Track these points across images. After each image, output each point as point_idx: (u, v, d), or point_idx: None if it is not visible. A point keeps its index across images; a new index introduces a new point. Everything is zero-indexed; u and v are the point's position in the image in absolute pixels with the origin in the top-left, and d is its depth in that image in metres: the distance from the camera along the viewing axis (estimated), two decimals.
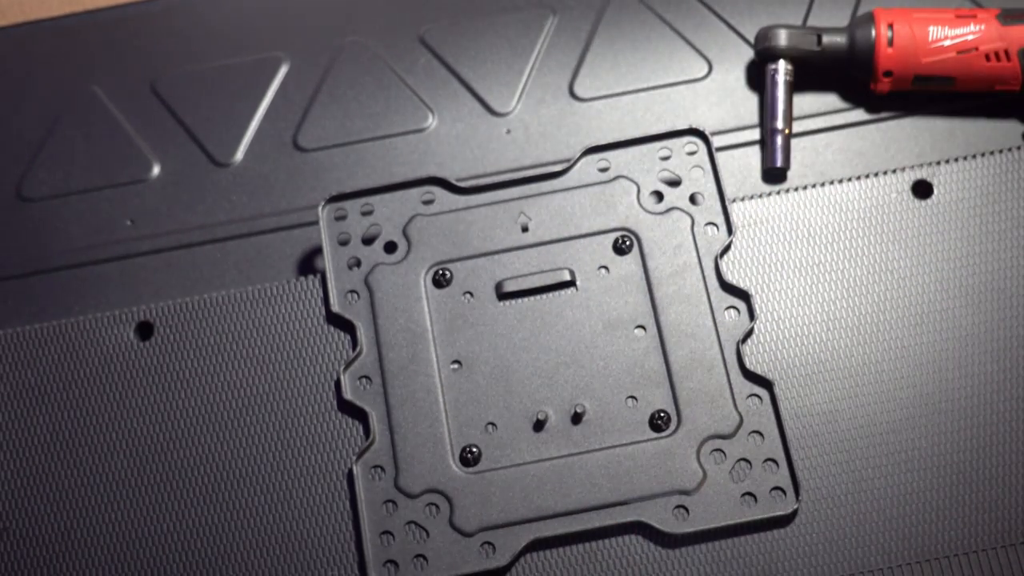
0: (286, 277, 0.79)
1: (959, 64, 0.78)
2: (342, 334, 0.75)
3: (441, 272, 0.75)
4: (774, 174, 0.80)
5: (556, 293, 0.74)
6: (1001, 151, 0.77)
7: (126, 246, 0.82)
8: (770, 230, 0.76)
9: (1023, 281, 0.74)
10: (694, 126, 0.77)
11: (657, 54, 0.85)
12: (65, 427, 0.74)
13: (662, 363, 0.72)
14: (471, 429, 0.71)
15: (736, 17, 0.86)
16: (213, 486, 0.72)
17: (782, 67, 0.80)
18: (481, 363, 0.73)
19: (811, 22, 0.85)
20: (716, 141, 0.80)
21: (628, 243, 0.75)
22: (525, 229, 0.76)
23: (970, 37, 0.78)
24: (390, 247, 0.76)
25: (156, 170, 0.84)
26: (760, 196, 0.77)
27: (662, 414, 0.71)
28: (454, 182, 0.77)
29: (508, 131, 0.84)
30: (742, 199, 0.77)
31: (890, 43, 0.78)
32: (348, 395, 0.72)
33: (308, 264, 0.80)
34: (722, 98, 0.83)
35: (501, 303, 0.74)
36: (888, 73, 0.79)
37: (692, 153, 0.77)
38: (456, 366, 0.73)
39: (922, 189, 0.76)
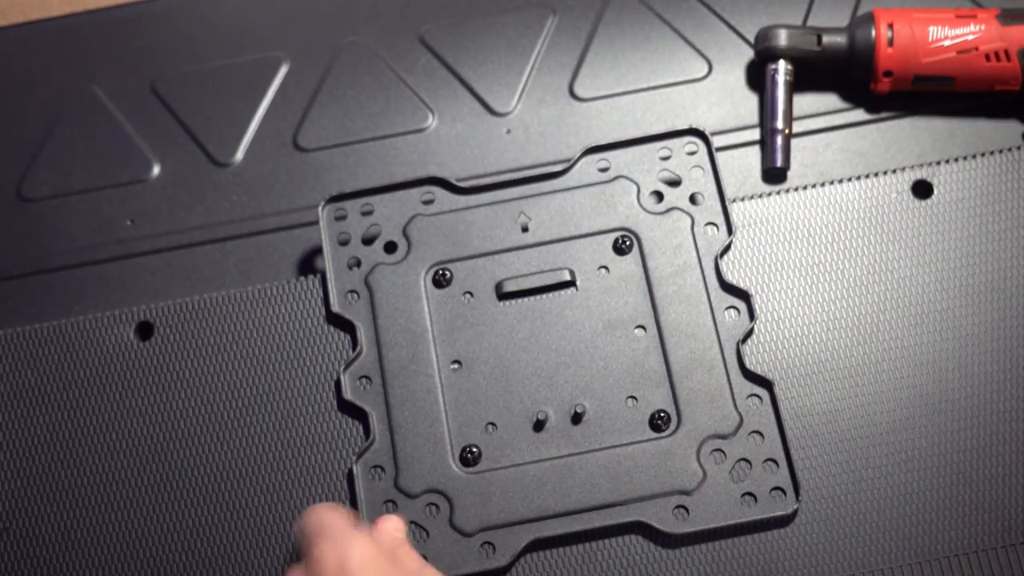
0: (286, 277, 0.79)
1: (959, 64, 0.78)
2: (342, 334, 0.75)
3: (441, 272, 0.75)
4: (774, 174, 0.80)
5: (556, 293, 0.74)
6: (1001, 151, 0.77)
7: (126, 246, 0.82)
8: (770, 230, 0.76)
9: (1023, 281, 0.74)
10: (694, 126, 0.77)
11: (657, 54, 0.85)
12: (65, 427, 0.74)
13: (662, 363, 0.72)
14: (471, 429, 0.71)
15: (736, 17, 0.86)
16: (213, 486, 0.72)
17: (782, 67, 0.80)
18: (481, 363, 0.73)
19: (811, 22, 0.85)
20: (716, 141, 0.80)
21: (628, 243, 0.75)
22: (525, 229, 0.76)
23: (970, 37, 0.78)
24: (390, 247, 0.76)
25: (156, 170, 0.84)
26: (760, 196, 0.77)
27: (662, 414, 0.71)
28: (454, 182, 0.77)
29: (508, 131, 0.84)
30: (742, 199, 0.77)
31: (890, 43, 0.78)
32: (348, 395, 0.72)
33: (308, 264, 0.80)
34: (722, 98, 0.83)
35: (501, 303, 0.74)
36: (888, 73, 0.78)
37: (692, 153, 0.77)
38: (456, 366, 0.73)
39: (922, 189, 0.76)
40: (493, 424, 0.71)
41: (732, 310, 0.73)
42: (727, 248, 0.74)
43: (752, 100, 0.83)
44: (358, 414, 0.73)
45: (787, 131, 0.79)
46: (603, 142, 0.77)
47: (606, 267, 0.75)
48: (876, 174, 0.77)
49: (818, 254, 0.75)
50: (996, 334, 0.72)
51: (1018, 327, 0.72)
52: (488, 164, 0.82)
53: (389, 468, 0.71)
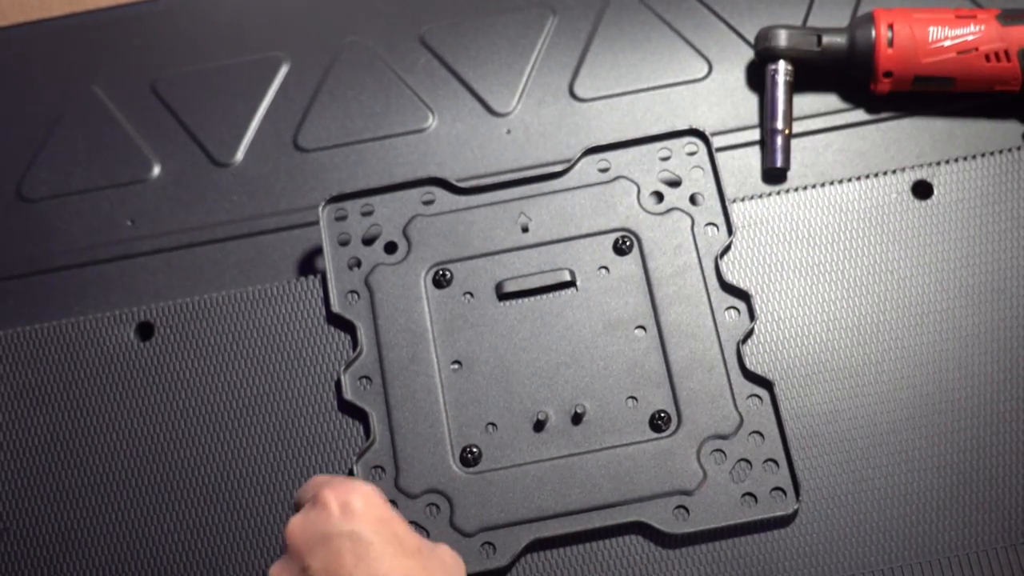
0: (286, 277, 0.79)
1: (959, 64, 0.78)
2: (342, 334, 0.75)
3: (441, 272, 0.75)
4: (774, 174, 0.80)
5: (556, 293, 0.74)
6: (1001, 151, 0.77)
7: (126, 246, 0.82)
8: (770, 230, 0.76)
9: (1023, 281, 0.74)
10: (694, 126, 0.77)
11: (657, 54, 0.85)
12: (65, 427, 0.74)
13: (662, 363, 0.72)
14: (471, 429, 0.71)
15: (736, 17, 0.86)
16: (213, 486, 0.72)
17: (782, 67, 0.80)
18: (481, 363, 0.73)
19: (811, 22, 0.85)
20: (716, 141, 0.80)
21: (628, 243, 0.75)
22: (525, 229, 0.76)
23: (970, 37, 0.78)
24: (390, 247, 0.76)
25: (156, 170, 0.84)
26: (760, 196, 0.77)
27: (662, 414, 0.71)
28: (454, 182, 0.77)
29: (508, 131, 0.84)
30: (742, 199, 0.77)
31: (890, 43, 0.78)
32: (348, 395, 0.72)
33: (308, 264, 0.80)
34: (722, 98, 0.83)
35: (501, 303, 0.74)
36: (888, 73, 0.79)
37: (692, 153, 0.77)
38: (456, 366, 0.73)
39: (922, 189, 0.76)
40: (493, 424, 0.71)
41: (732, 310, 0.73)
42: (727, 248, 0.74)
43: (752, 100, 0.83)
44: (358, 414, 0.73)
45: (787, 131, 0.80)
46: (603, 142, 0.77)
47: (606, 267, 0.75)
48: (876, 174, 0.77)
49: (818, 254, 0.75)
50: (996, 334, 0.72)
51: (1018, 327, 0.72)
52: (488, 164, 0.82)
53: (389, 468, 0.71)
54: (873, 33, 0.78)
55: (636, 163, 0.77)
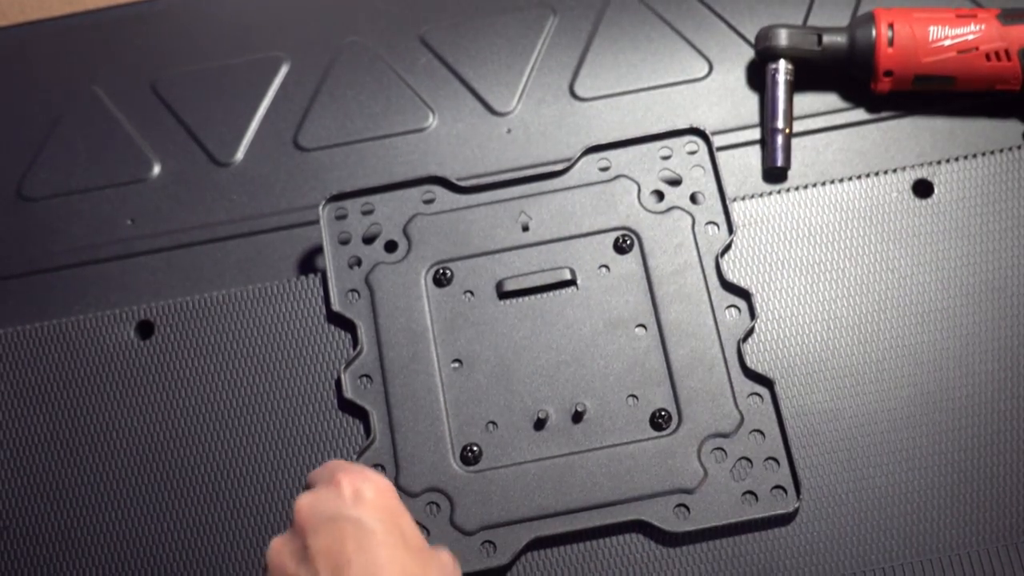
0: (286, 276, 0.79)
1: (959, 64, 0.78)
2: (343, 333, 0.75)
3: (442, 271, 0.75)
4: (775, 173, 0.80)
5: (557, 292, 0.74)
6: (1001, 151, 0.77)
7: (126, 246, 0.82)
8: (771, 229, 0.76)
9: (1023, 281, 0.74)
10: (695, 125, 0.77)
11: (657, 54, 0.85)
12: (65, 427, 0.74)
13: (663, 362, 0.72)
14: (472, 428, 0.71)
15: (736, 17, 0.86)
16: (213, 485, 0.72)
17: (782, 67, 0.80)
18: (482, 362, 0.73)
19: (811, 22, 0.85)
20: (717, 141, 0.80)
21: (629, 242, 0.75)
22: (525, 228, 0.76)
23: (970, 37, 0.78)
24: (391, 246, 0.76)
25: (156, 170, 0.84)
26: (761, 195, 0.77)
27: (663, 413, 0.71)
28: (455, 181, 0.77)
29: (508, 131, 0.84)
30: (743, 198, 0.77)
31: (890, 43, 0.78)
32: (349, 394, 0.72)
33: (308, 263, 0.80)
34: (722, 98, 0.83)
35: (502, 302, 0.74)
36: (888, 73, 0.79)
37: (693, 152, 0.77)
38: (457, 365, 0.73)
39: (922, 189, 0.76)
40: (494, 423, 0.71)
41: (733, 309, 0.73)
42: (728, 247, 0.74)
43: (752, 100, 0.83)
44: (359, 413, 0.73)
45: (787, 131, 0.80)
46: (603, 141, 0.77)
47: (607, 266, 0.75)
48: (876, 173, 0.77)
49: (818, 253, 0.75)
50: (997, 333, 0.72)
51: (1018, 326, 0.72)
52: (488, 163, 0.82)
53: (390, 467, 0.71)
54: (873, 32, 0.78)
55: (636, 162, 0.77)
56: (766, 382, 0.71)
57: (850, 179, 0.77)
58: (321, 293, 0.76)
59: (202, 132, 0.85)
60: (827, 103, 0.82)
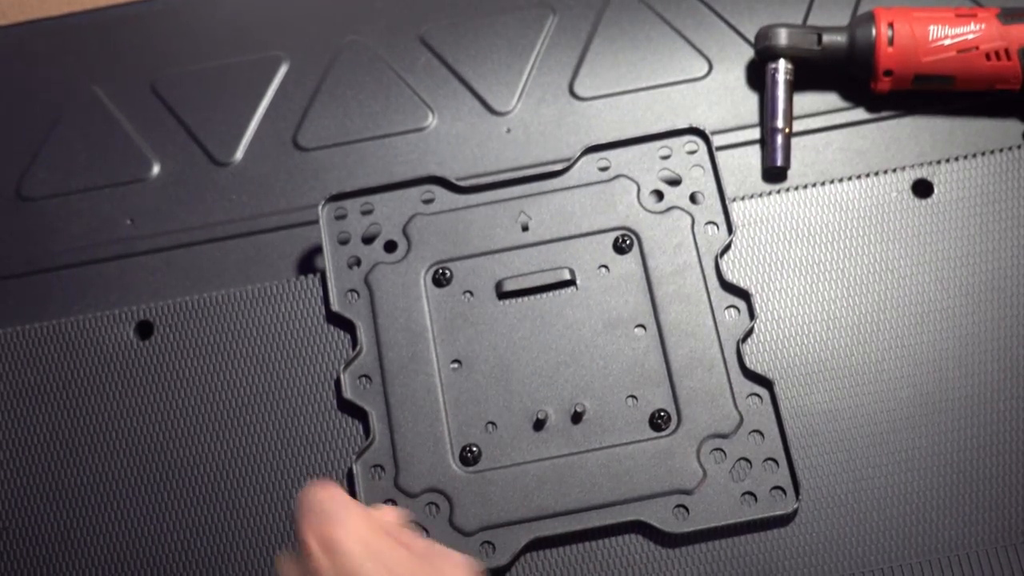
0: (286, 276, 0.79)
1: (959, 63, 0.78)
2: (342, 333, 0.75)
3: (441, 271, 0.75)
4: (774, 173, 0.80)
5: (556, 292, 0.74)
6: (1001, 151, 0.77)
7: (126, 245, 0.82)
8: (770, 229, 0.76)
9: (1023, 281, 0.74)
10: (694, 125, 0.77)
11: (657, 54, 0.85)
12: (65, 427, 0.74)
13: (662, 362, 0.72)
14: (471, 428, 0.71)
15: (736, 16, 0.86)
16: (213, 485, 0.72)
17: (782, 66, 0.80)
18: (481, 362, 0.73)
19: (811, 21, 0.85)
20: (716, 140, 0.80)
21: (628, 242, 0.75)
22: (525, 228, 0.76)
23: (970, 36, 0.77)
24: (390, 246, 0.76)
25: (156, 170, 0.84)
26: (760, 195, 0.77)
27: (662, 413, 0.71)
28: (454, 181, 0.77)
29: (508, 130, 0.84)
30: (742, 198, 0.77)
31: (890, 42, 0.78)
32: (348, 394, 0.72)
33: (308, 263, 0.80)
34: (722, 97, 0.83)
35: (501, 302, 0.74)
36: (888, 72, 0.78)
37: (692, 152, 0.77)
38: (456, 365, 0.73)
39: (922, 188, 0.76)
40: (493, 423, 0.71)
41: (732, 309, 0.73)
42: (727, 247, 0.74)
43: (752, 99, 0.83)
44: (358, 413, 0.73)
45: (787, 130, 0.79)
46: (603, 141, 0.77)
47: (606, 266, 0.75)
48: (876, 173, 0.77)
49: (818, 253, 0.75)
50: (996, 333, 0.72)
51: (1018, 326, 0.72)
52: (488, 163, 0.82)
53: (389, 467, 0.71)
54: (873, 32, 0.78)
55: (636, 162, 0.77)
56: (765, 383, 0.71)
57: (850, 179, 0.77)
58: (320, 293, 0.76)
59: (202, 132, 0.85)
60: (827, 103, 0.82)
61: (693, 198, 0.76)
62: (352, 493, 0.71)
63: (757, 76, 0.83)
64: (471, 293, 0.75)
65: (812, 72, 0.81)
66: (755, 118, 0.82)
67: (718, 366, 0.71)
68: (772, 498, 0.68)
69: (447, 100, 0.85)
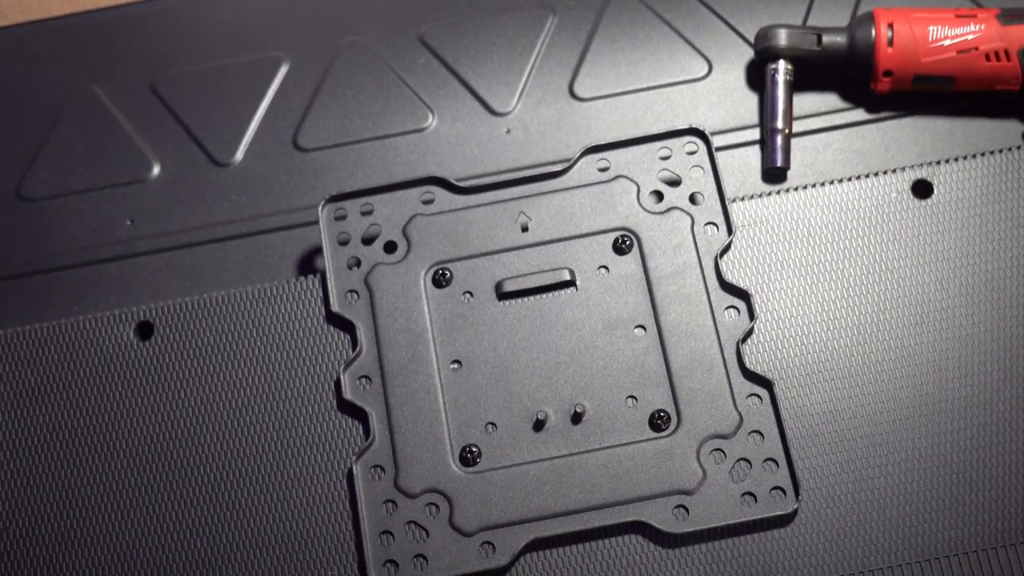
0: (286, 277, 0.79)
1: (959, 64, 0.78)
2: (342, 334, 0.75)
3: (441, 272, 0.75)
4: (774, 174, 0.80)
5: (556, 293, 0.74)
6: (1001, 151, 0.77)
7: (126, 246, 0.82)
8: (770, 230, 0.76)
9: (1023, 281, 0.74)
10: (694, 126, 0.77)
11: (657, 54, 0.85)
12: (65, 427, 0.74)
13: (662, 363, 0.72)
14: (471, 429, 0.71)
15: (736, 17, 0.86)
16: (213, 486, 0.72)
17: (782, 67, 0.80)
18: (481, 363, 0.73)
19: (811, 22, 0.85)
20: (716, 141, 0.80)
21: (628, 243, 0.75)
22: (525, 229, 0.76)
23: (970, 37, 0.78)
24: (390, 247, 0.76)
25: (156, 170, 0.84)
26: (760, 196, 0.77)
27: (662, 414, 0.71)
28: (454, 182, 0.77)
29: (508, 131, 0.84)
30: (742, 199, 0.77)
31: (890, 43, 0.78)
32: (348, 395, 0.72)
33: (308, 264, 0.80)
34: (722, 98, 0.83)
35: (501, 303, 0.74)
36: (888, 73, 0.79)
37: (692, 153, 0.77)
38: (456, 366, 0.73)
39: (922, 189, 0.76)
40: (493, 424, 0.71)
41: (732, 310, 0.73)
42: (727, 248, 0.74)
43: (752, 100, 0.83)
44: (358, 414, 0.73)
45: (787, 131, 0.80)
46: (603, 142, 0.77)
47: (606, 267, 0.75)
48: (876, 174, 0.77)
49: (818, 254, 0.75)
50: (996, 334, 0.72)
51: (1018, 327, 0.72)
52: (488, 164, 0.82)
53: (389, 468, 0.71)
54: (873, 32, 0.78)
55: (636, 162, 0.77)
56: (765, 383, 0.71)
57: (850, 179, 0.77)
58: (320, 294, 0.76)
59: (202, 132, 0.85)
60: (827, 103, 0.82)
61: (693, 199, 0.76)
62: (352, 494, 0.71)
63: (757, 76, 0.83)
64: (471, 294, 0.75)
65: (812, 72, 0.81)
66: (755, 118, 0.82)
67: (718, 366, 0.71)
68: (772, 498, 0.68)
69: (447, 100, 0.85)
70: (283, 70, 0.87)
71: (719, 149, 0.80)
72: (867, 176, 0.77)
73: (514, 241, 0.75)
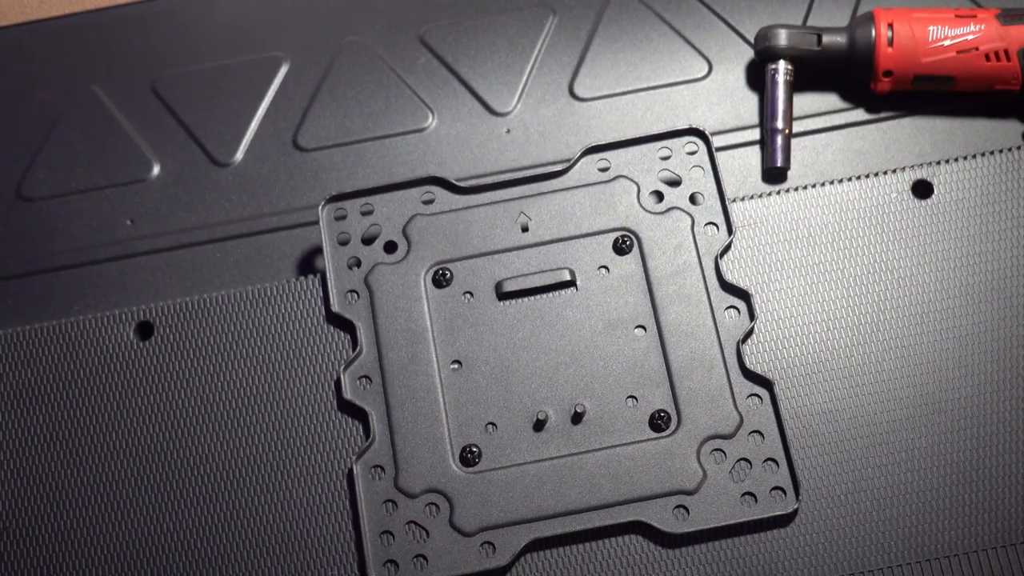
0: (286, 277, 0.79)
1: (959, 64, 0.78)
2: (342, 334, 0.75)
3: (441, 272, 0.75)
4: (774, 174, 0.80)
5: (556, 293, 0.74)
6: (1001, 151, 0.77)
7: (126, 246, 0.82)
8: (770, 230, 0.76)
9: (1023, 281, 0.74)
10: (694, 126, 0.77)
11: (657, 54, 0.85)
12: (65, 427, 0.74)
13: (662, 363, 0.72)
14: (471, 429, 0.71)
15: (736, 17, 0.86)
16: (213, 486, 0.72)
17: (782, 67, 0.80)
18: (481, 363, 0.73)
19: (811, 22, 0.85)
20: (716, 141, 0.80)
21: (628, 243, 0.75)
22: (525, 229, 0.76)
23: (970, 37, 0.78)
24: (390, 247, 0.76)
25: (156, 170, 0.84)
26: (760, 196, 0.77)
27: (662, 414, 0.71)
28: (454, 182, 0.77)
29: (508, 131, 0.84)
30: (742, 199, 0.77)
31: (890, 43, 0.78)
32: (348, 395, 0.72)
33: (308, 264, 0.80)
34: (722, 98, 0.83)
35: (501, 303, 0.74)
36: (888, 73, 0.79)
37: (692, 153, 0.77)
38: (456, 366, 0.73)
39: (922, 189, 0.76)
40: (493, 424, 0.71)
41: (732, 310, 0.73)
42: (727, 248, 0.74)
43: (752, 100, 0.83)
44: (358, 414, 0.73)
45: (787, 131, 0.80)
46: (603, 142, 0.77)
47: (606, 267, 0.75)
48: (876, 174, 0.77)
49: (818, 254, 0.75)
50: (996, 334, 0.72)
51: (1018, 327, 0.72)
52: (488, 164, 0.82)
53: (389, 468, 0.71)
54: (873, 32, 0.78)
55: (636, 162, 0.77)
56: (765, 383, 0.71)
57: (850, 179, 0.77)
58: (320, 294, 0.76)
59: (202, 132, 0.85)
60: (827, 103, 0.82)
61: (693, 199, 0.76)
62: (352, 494, 0.71)
63: (757, 77, 0.83)
64: (471, 294, 0.75)
65: (812, 73, 0.81)
66: (755, 119, 0.82)
67: (718, 367, 0.71)
68: (772, 498, 0.68)
69: (447, 100, 0.85)
70: (283, 70, 0.87)
71: (719, 149, 0.81)
72: (867, 176, 0.77)
73: (514, 241, 0.75)
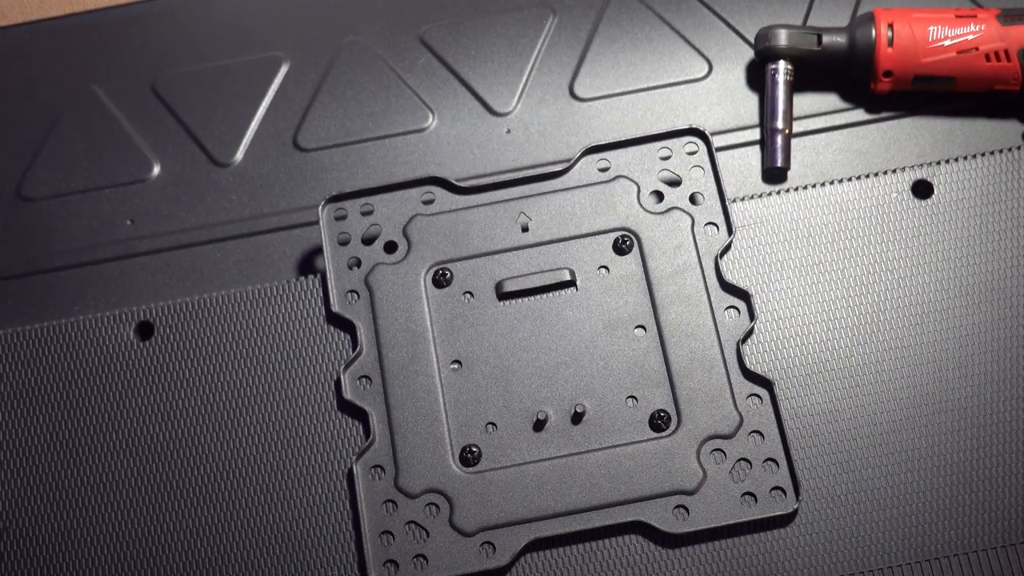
0: (286, 277, 0.79)
1: (959, 64, 0.78)
2: (342, 334, 0.75)
3: (441, 272, 0.75)
4: (774, 174, 0.80)
5: (556, 293, 0.74)
6: (1001, 151, 0.77)
7: (126, 246, 0.82)
8: (770, 230, 0.76)
9: (1023, 281, 0.74)
10: (694, 126, 0.77)
11: (657, 54, 0.85)
12: (65, 427, 0.74)
13: (662, 363, 0.72)
14: (471, 429, 0.71)
15: (736, 17, 0.86)
16: (213, 486, 0.72)
17: (782, 67, 0.80)
18: (481, 363, 0.73)
19: (811, 22, 0.85)
20: (716, 141, 0.80)
21: (628, 243, 0.75)
22: (525, 229, 0.76)
23: (970, 37, 0.78)
24: (390, 247, 0.76)
25: (156, 170, 0.84)
26: (760, 196, 0.77)
27: (662, 414, 0.71)
28: (454, 182, 0.77)
29: (508, 131, 0.84)
30: (742, 199, 0.77)
31: (890, 43, 0.78)
32: (348, 395, 0.72)
33: (308, 264, 0.80)
34: (722, 98, 0.83)
35: (501, 303, 0.74)
36: (888, 73, 0.79)
37: (692, 153, 0.77)
38: (456, 366, 0.73)
39: (922, 189, 0.76)
40: (493, 424, 0.71)
41: (732, 310, 0.73)
42: (727, 248, 0.74)
43: (752, 100, 0.83)
44: (358, 414, 0.73)
45: (787, 131, 0.80)
46: (603, 142, 0.77)
47: (606, 267, 0.75)
48: (876, 174, 0.77)
49: (818, 254, 0.75)
50: (996, 334, 0.72)
51: (1018, 327, 0.72)
52: (488, 164, 0.82)
53: (389, 468, 0.71)
54: (873, 32, 0.78)
55: (636, 162, 0.77)
56: (765, 383, 0.71)
57: (850, 180, 0.77)
58: (320, 294, 0.76)
59: (202, 132, 0.85)
60: (827, 103, 0.82)
61: (693, 199, 0.76)
62: (352, 494, 0.71)
63: (757, 77, 0.83)
64: (471, 294, 0.75)
65: (812, 73, 0.81)
66: (755, 119, 0.82)
67: (718, 367, 0.71)
68: (772, 498, 0.68)
69: (447, 100, 0.85)
70: (283, 70, 0.87)
71: (719, 149, 0.81)
72: (867, 176, 0.77)
73: (514, 241, 0.75)
